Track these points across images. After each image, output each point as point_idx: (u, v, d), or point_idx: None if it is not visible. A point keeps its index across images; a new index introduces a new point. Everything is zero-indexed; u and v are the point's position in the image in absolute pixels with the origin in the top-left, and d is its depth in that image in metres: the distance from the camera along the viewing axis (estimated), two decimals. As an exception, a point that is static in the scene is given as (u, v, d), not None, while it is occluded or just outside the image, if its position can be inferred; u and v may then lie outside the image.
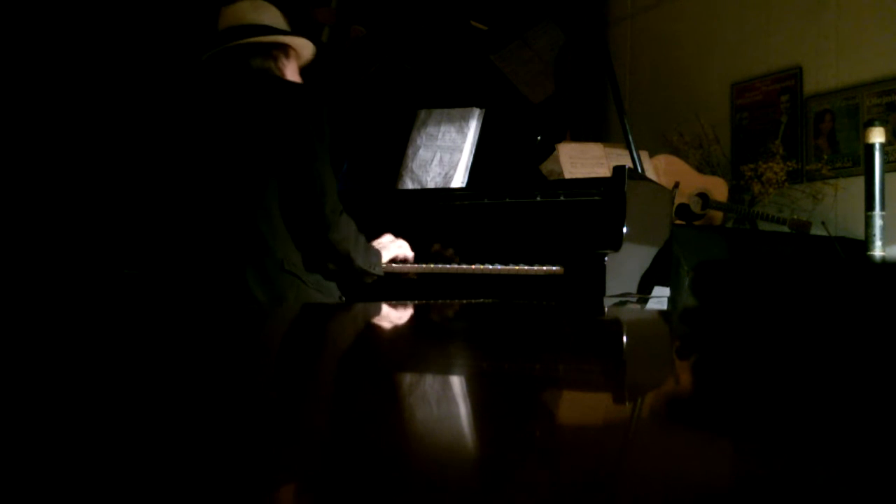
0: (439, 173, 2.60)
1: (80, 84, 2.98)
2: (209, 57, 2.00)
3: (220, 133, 1.91)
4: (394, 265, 2.29)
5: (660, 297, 2.30)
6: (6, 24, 2.86)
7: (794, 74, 3.46)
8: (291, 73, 2.06)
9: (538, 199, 2.36)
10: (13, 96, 2.88)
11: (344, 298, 2.02)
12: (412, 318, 1.33)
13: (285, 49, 2.03)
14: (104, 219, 2.86)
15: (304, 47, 2.08)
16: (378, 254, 2.07)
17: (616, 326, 1.32)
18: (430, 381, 0.64)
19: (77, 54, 2.98)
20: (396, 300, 2.24)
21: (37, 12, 2.94)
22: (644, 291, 2.25)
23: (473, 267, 2.32)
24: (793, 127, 3.46)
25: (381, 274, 2.06)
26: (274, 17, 2.04)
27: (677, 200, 2.96)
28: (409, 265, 2.35)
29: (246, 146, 1.89)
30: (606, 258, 2.09)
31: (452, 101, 2.80)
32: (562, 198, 2.32)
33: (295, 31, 2.09)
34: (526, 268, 2.24)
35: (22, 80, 2.91)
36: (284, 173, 1.87)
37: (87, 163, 2.96)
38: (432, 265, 2.40)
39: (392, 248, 2.24)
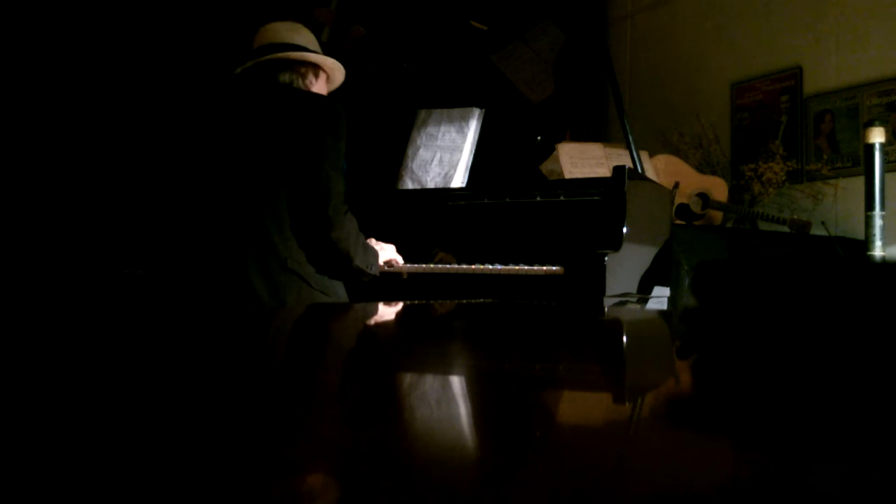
0: (439, 173, 2.60)
1: (95, 88, 3.00)
2: (242, 71, 2.06)
3: (236, 138, 1.96)
4: (389, 267, 2.30)
5: (660, 297, 2.30)
6: (19, 26, 2.88)
7: (794, 74, 3.46)
8: (318, 90, 2.10)
9: (538, 199, 2.36)
10: (24, 97, 2.89)
11: (348, 300, 2.03)
12: (412, 319, 1.33)
13: (315, 68, 2.08)
14: (113, 219, 2.88)
15: (335, 69, 2.13)
16: (376, 254, 2.09)
17: (616, 326, 1.32)
18: (430, 381, 0.64)
19: (89, 59, 3.00)
20: (396, 300, 2.24)
21: (69, 16, 2.96)
22: (644, 291, 2.25)
23: (473, 267, 2.32)
24: (793, 127, 3.46)
25: (377, 274, 2.08)
26: (307, 39, 2.10)
27: (677, 200, 2.96)
28: (407, 265, 2.35)
29: (260, 150, 1.93)
30: (606, 258, 2.09)
31: (452, 101, 2.80)
32: (562, 198, 2.32)
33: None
34: (526, 268, 2.24)
35: (34, 81, 2.92)
36: (296, 175, 1.91)
37: (98, 165, 2.97)
38: (432, 265, 2.40)
39: (387, 249, 2.25)
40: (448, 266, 2.38)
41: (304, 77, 2.06)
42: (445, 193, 2.53)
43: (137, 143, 2.99)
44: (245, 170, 1.92)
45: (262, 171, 1.91)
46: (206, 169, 1.98)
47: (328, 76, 2.14)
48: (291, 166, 1.91)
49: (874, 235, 2.52)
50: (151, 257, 2.18)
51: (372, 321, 1.34)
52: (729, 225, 3.24)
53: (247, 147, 1.94)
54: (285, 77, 2.03)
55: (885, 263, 2.52)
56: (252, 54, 2.06)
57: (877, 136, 2.53)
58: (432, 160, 2.64)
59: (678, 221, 2.94)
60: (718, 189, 3.18)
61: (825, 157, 3.31)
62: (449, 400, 0.56)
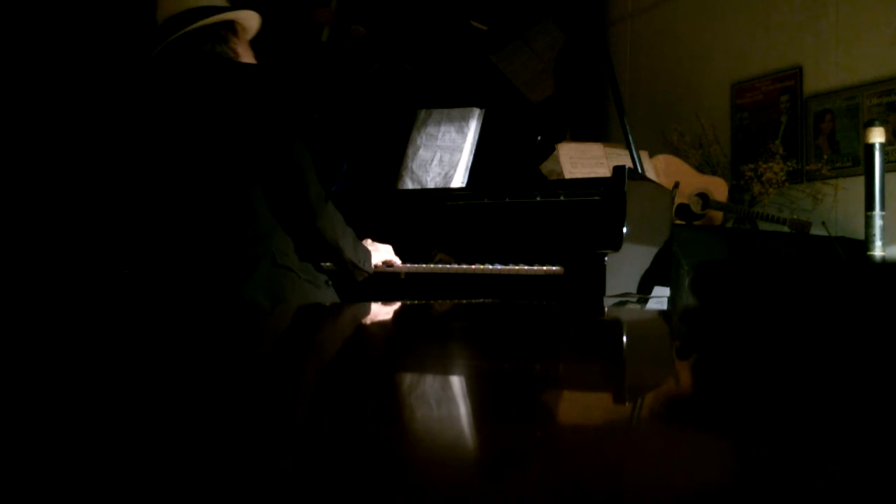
0: (439, 173, 2.60)
1: (75, 82, 2.99)
2: (159, 51, 1.93)
3: (194, 130, 1.87)
4: (388, 267, 2.29)
5: (660, 297, 2.30)
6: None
7: (794, 74, 3.46)
8: (244, 50, 2.00)
9: (538, 199, 2.36)
10: (15, 96, 2.89)
11: (330, 282, 1.98)
12: (412, 319, 1.33)
13: (232, 27, 1.96)
14: (101, 219, 2.87)
15: (250, 19, 2.00)
16: (367, 251, 2.03)
17: (616, 326, 1.32)
18: (430, 381, 0.64)
19: (80, 54, 3.00)
20: (396, 301, 2.24)
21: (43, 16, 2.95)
22: (644, 291, 2.25)
23: (473, 267, 2.32)
24: (793, 127, 3.46)
25: (371, 272, 2.04)
26: None
27: (677, 200, 2.96)
28: (406, 265, 2.35)
29: (221, 142, 1.85)
30: (606, 258, 2.09)
31: (452, 101, 2.80)
32: (562, 198, 2.32)
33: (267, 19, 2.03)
34: (526, 268, 2.24)
35: (26, 80, 2.92)
36: (265, 164, 1.84)
37: (84, 163, 2.96)
38: (432, 265, 2.40)
39: (382, 250, 2.22)
40: (447, 266, 2.38)
41: (226, 41, 1.93)
42: (445, 193, 2.53)
43: (107, 138, 2.95)
44: (211, 166, 1.84)
45: (229, 166, 1.83)
46: (173, 169, 1.88)
47: (244, 28, 2.00)
48: (258, 156, 1.83)
49: (874, 235, 2.52)
50: (142, 258, 2.13)
51: (370, 321, 1.34)
52: (729, 225, 3.24)
53: (206, 141, 1.85)
54: (208, 48, 1.90)
55: (885, 263, 2.52)
56: (162, 30, 1.91)
57: (877, 136, 2.53)
58: (432, 160, 2.64)
59: (678, 221, 2.94)
60: (718, 189, 3.18)
61: (825, 157, 3.31)
62: (448, 400, 0.56)
